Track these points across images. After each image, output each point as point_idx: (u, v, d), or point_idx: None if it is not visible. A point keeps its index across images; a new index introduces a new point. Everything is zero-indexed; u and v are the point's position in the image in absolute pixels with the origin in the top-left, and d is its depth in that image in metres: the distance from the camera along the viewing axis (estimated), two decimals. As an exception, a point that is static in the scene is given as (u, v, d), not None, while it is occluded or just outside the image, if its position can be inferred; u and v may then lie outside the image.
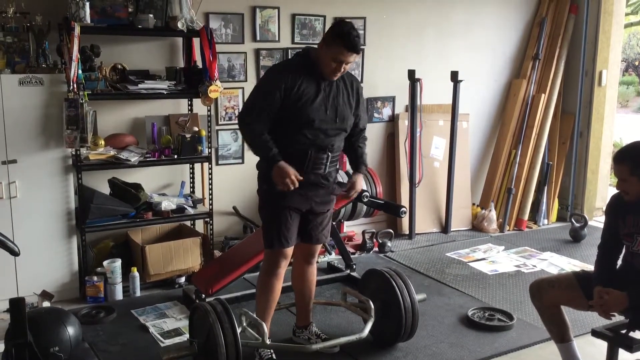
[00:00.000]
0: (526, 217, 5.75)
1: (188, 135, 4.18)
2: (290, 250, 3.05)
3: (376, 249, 5.02)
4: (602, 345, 2.75)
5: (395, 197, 5.46)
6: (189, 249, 4.22)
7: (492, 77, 5.87)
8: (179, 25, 4.05)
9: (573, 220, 5.44)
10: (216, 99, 4.27)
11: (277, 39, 4.82)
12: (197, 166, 4.59)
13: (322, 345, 3.11)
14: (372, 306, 3.19)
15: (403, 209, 3.76)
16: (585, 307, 2.77)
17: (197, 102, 4.34)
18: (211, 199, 4.48)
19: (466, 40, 5.65)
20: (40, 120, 3.73)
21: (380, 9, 5.22)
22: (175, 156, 4.17)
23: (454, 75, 5.35)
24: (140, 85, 4.02)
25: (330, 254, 4.77)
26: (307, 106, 2.85)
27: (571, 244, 5.30)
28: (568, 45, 5.80)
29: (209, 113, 4.32)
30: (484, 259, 4.87)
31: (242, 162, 4.79)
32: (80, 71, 3.74)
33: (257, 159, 3.01)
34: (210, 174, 4.45)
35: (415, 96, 5.26)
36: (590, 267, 3.14)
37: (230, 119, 4.72)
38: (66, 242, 3.92)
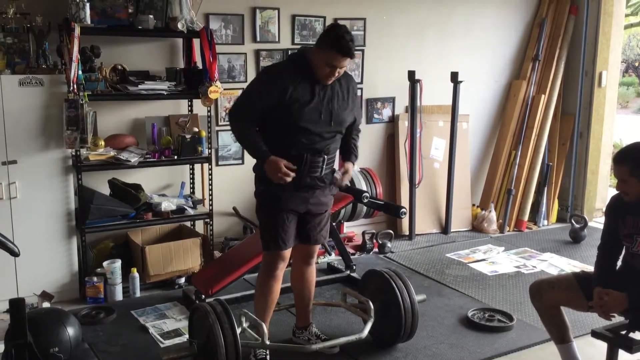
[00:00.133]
0: (526, 218, 5.75)
1: (188, 136, 4.18)
2: (288, 252, 3.04)
3: (376, 249, 5.02)
4: (602, 346, 2.75)
5: (395, 198, 5.46)
6: (188, 250, 4.22)
7: (492, 77, 5.87)
8: (179, 26, 4.05)
9: (573, 221, 5.44)
10: (216, 100, 4.27)
11: (277, 39, 4.82)
12: (197, 167, 4.59)
13: (321, 346, 3.12)
14: (372, 307, 3.19)
15: (403, 209, 3.76)
16: (585, 308, 2.77)
17: (197, 103, 4.34)
18: (211, 200, 4.49)
19: (466, 41, 5.66)
20: (40, 121, 3.73)
21: (380, 10, 5.22)
22: (175, 157, 4.17)
23: (454, 76, 5.35)
24: (140, 86, 4.03)
25: (330, 254, 4.78)
26: (301, 111, 2.82)
27: (571, 244, 5.30)
28: (568, 46, 5.80)
29: (209, 114, 4.33)
30: (484, 259, 4.87)
31: (242, 163, 4.79)
32: (80, 72, 3.74)
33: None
34: (210, 174, 4.45)
35: (415, 97, 5.26)
36: (590, 268, 3.15)
37: (230, 119, 4.72)
38: (66, 242, 3.92)
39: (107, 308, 3.76)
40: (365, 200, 3.83)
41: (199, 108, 4.38)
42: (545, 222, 5.87)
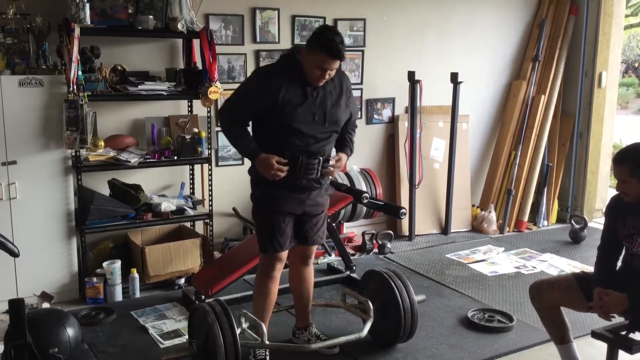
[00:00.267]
0: (526, 218, 5.75)
1: (188, 137, 4.18)
2: (285, 253, 3.04)
3: (376, 250, 5.02)
4: (602, 347, 2.75)
5: (395, 199, 5.46)
6: (188, 250, 4.22)
7: (492, 78, 5.87)
8: (179, 26, 4.05)
9: (573, 221, 5.44)
10: (216, 100, 4.27)
11: (277, 40, 4.82)
12: (197, 167, 4.59)
13: (321, 345, 3.12)
14: (371, 306, 3.18)
15: (403, 210, 3.76)
16: (585, 309, 2.77)
17: (197, 104, 4.34)
18: (211, 200, 4.48)
19: (466, 41, 5.66)
20: (40, 121, 3.73)
21: (380, 10, 5.22)
22: (175, 157, 4.17)
23: (454, 77, 5.35)
24: (140, 87, 4.03)
25: (330, 255, 4.77)
26: (294, 112, 2.81)
27: (571, 245, 5.30)
28: (568, 46, 5.80)
29: (208, 114, 4.32)
30: (483, 260, 4.87)
31: (242, 164, 4.79)
32: (80, 72, 3.74)
33: None
34: (210, 175, 4.45)
35: (415, 97, 5.26)
36: (590, 269, 3.15)
37: (230, 120, 4.72)
38: (66, 243, 3.92)
39: (107, 309, 3.76)
40: (365, 201, 3.83)
41: (199, 108, 4.38)
42: (545, 222, 5.87)
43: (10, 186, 3.69)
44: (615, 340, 2.66)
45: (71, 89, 3.68)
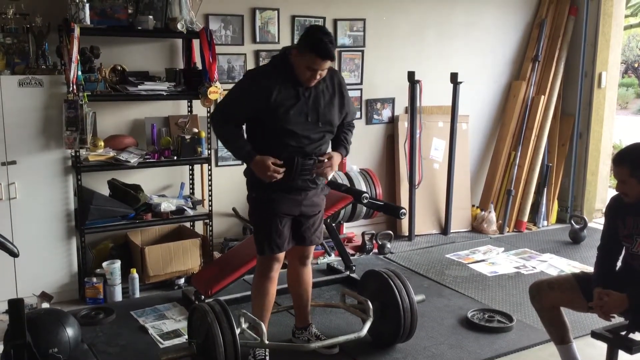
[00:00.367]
0: (526, 218, 5.75)
1: (188, 137, 4.18)
2: (282, 254, 3.04)
3: (376, 250, 5.02)
4: (602, 347, 2.75)
5: (394, 199, 5.45)
6: (188, 250, 4.22)
7: (491, 78, 5.87)
8: (179, 26, 4.05)
9: (573, 221, 5.44)
10: (216, 100, 4.26)
11: (276, 40, 4.82)
12: (197, 167, 4.59)
13: (320, 344, 3.11)
14: (371, 306, 3.18)
15: (403, 210, 3.76)
16: (585, 309, 2.77)
17: (197, 104, 4.34)
18: (211, 201, 4.48)
19: (466, 41, 5.66)
20: (40, 121, 3.73)
21: (380, 10, 5.22)
22: (175, 157, 4.17)
23: (454, 77, 5.35)
24: (139, 87, 4.03)
25: (330, 255, 4.77)
26: (287, 114, 2.80)
27: (571, 245, 5.30)
28: (568, 46, 5.80)
29: (208, 114, 4.32)
30: (483, 260, 4.87)
31: (242, 164, 4.73)
32: (79, 72, 3.74)
33: None
34: (210, 175, 4.45)
35: (415, 98, 5.26)
36: (590, 269, 3.15)
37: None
38: (65, 243, 3.92)
39: (107, 309, 3.76)
40: (365, 201, 3.83)
41: (199, 109, 4.38)
42: (545, 222, 5.87)
43: (10, 186, 3.69)
44: (615, 341, 2.66)
45: (71, 89, 3.67)
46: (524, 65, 5.89)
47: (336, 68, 5.07)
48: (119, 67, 4.17)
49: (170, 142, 4.22)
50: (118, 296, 3.98)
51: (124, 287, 4.02)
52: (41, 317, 3.05)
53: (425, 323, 3.60)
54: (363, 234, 5.01)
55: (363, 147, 5.31)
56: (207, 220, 4.41)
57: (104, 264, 3.98)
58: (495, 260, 4.86)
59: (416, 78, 5.23)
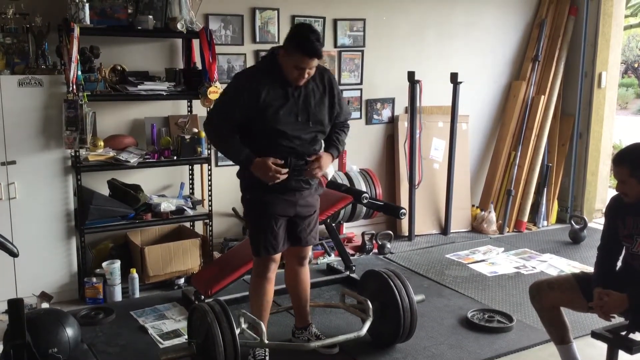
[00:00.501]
0: (526, 218, 5.75)
1: (187, 137, 4.18)
2: (279, 255, 3.03)
3: (376, 250, 5.02)
4: (602, 347, 2.75)
5: (394, 199, 5.45)
6: (188, 250, 4.22)
7: (491, 78, 5.87)
8: (179, 26, 4.05)
9: (572, 221, 5.44)
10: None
11: (276, 40, 4.81)
12: (197, 167, 4.59)
13: (320, 344, 3.11)
14: (371, 306, 3.18)
15: (402, 210, 3.76)
16: (585, 309, 2.77)
17: (197, 104, 4.34)
18: (210, 201, 4.48)
19: (466, 41, 5.66)
20: (40, 121, 3.72)
21: (380, 10, 5.22)
22: (175, 157, 4.17)
23: (454, 77, 5.35)
24: (139, 87, 4.03)
25: (329, 255, 4.77)
26: (276, 114, 2.78)
27: (571, 245, 5.29)
28: (568, 46, 5.80)
29: (208, 114, 4.32)
30: (483, 260, 4.87)
31: (242, 164, 4.78)
32: (79, 72, 3.74)
33: None
34: (210, 175, 4.45)
35: (415, 98, 5.26)
36: (590, 269, 3.15)
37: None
38: (65, 243, 3.92)
39: (106, 309, 3.76)
40: (365, 201, 3.83)
41: (199, 108, 4.38)
42: (545, 222, 5.87)
43: (10, 186, 3.69)
44: (615, 341, 2.65)
45: (71, 88, 3.67)
46: (524, 65, 5.89)
47: (336, 68, 5.09)
48: (119, 67, 4.17)
49: (170, 142, 4.22)
50: (118, 296, 3.98)
51: (124, 287, 4.02)
52: (41, 317, 3.04)
53: (425, 323, 3.60)
54: (363, 234, 5.01)
55: (363, 147, 5.31)
56: (207, 220, 4.41)
57: (104, 264, 3.98)
58: (495, 261, 4.86)
59: (416, 78, 5.23)
